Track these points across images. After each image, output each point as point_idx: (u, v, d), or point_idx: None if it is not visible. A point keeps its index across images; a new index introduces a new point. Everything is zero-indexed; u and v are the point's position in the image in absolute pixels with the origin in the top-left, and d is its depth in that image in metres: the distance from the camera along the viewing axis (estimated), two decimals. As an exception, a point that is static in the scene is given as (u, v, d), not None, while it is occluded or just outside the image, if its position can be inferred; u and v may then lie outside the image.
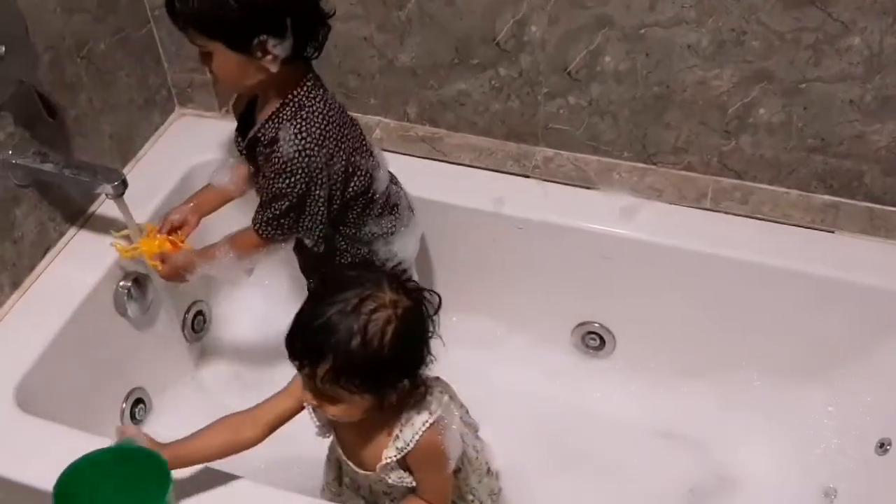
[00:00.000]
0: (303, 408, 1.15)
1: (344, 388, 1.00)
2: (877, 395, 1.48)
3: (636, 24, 1.42)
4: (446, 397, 1.14)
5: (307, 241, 1.36)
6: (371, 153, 1.39)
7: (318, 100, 1.28)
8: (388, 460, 1.11)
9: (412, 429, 1.09)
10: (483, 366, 1.68)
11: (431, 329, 1.05)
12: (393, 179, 1.46)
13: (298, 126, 1.25)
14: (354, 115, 1.70)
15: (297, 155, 1.24)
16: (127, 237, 1.44)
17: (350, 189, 1.34)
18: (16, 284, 1.41)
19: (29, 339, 1.35)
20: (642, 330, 1.65)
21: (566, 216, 1.58)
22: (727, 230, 1.53)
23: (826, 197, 1.54)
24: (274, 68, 1.22)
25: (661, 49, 1.44)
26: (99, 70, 1.50)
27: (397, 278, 1.04)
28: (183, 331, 1.70)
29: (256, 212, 1.33)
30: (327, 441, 1.25)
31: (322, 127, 1.26)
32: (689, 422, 1.60)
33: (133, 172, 1.64)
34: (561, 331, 1.73)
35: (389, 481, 1.14)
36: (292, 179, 1.25)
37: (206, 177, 1.60)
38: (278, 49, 1.20)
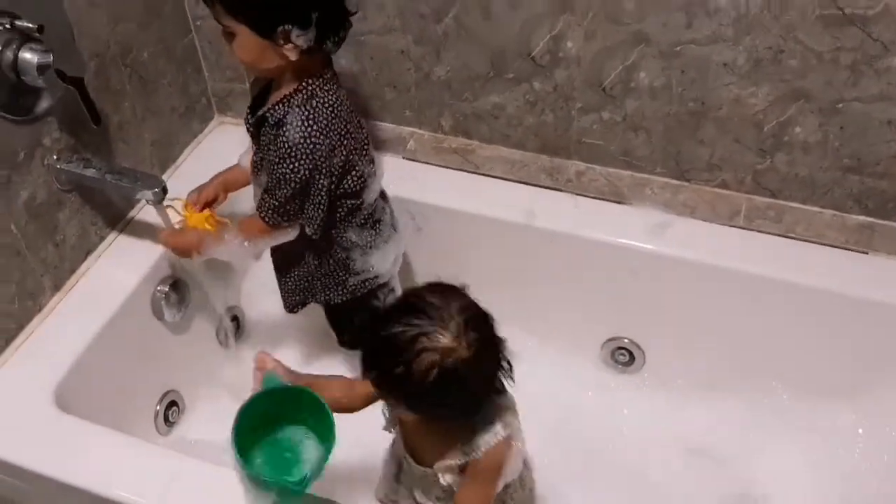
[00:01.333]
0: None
1: (389, 400, 1.05)
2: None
3: (672, 42, 1.42)
4: (517, 422, 1.15)
5: (308, 230, 1.38)
6: (371, 160, 1.41)
7: (330, 93, 1.30)
8: (452, 462, 1.13)
9: (484, 438, 1.11)
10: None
11: (503, 373, 1.07)
12: (383, 195, 1.49)
13: (307, 113, 1.27)
14: (388, 125, 1.74)
15: (302, 140, 1.26)
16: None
17: (342, 187, 1.36)
18: (57, 287, 1.44)
19: (69, 340, 1.39)
20: (672, 346, 1.65)
21: (598, 230, 1.58)
22: (760, 248, 1.52)
23: (861, 217, 1.53)
24: (293, 56, 1.24)
25: (696, 66, 1.44)
26: (142, 78, 1.54)
27: (470, 323, 1.02)
28: (218, 335, 1.73)
29: (262, 198, 1.36)
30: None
31: (329, 118, 1.29)
32: (718, 437, 1.60)
33: (172, 178, 1.67)
34: (591, 345, 1.73)
35: (443, 483, 1.16)
36: (296, 164, 1.27)
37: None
38: (301, 39, 1.22)
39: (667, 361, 1.68)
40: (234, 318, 1.77)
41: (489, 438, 1.11)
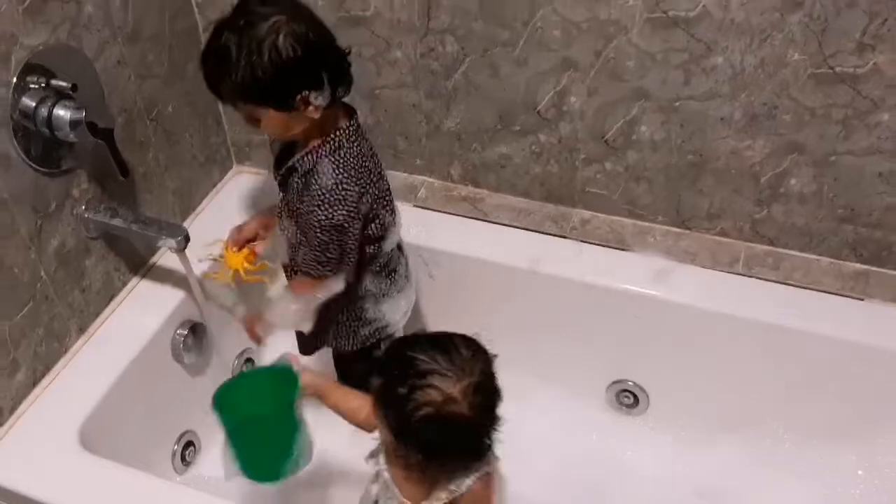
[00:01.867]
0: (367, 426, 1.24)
1: (379, 414, 1.11)
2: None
3: (671, 97, 1.49)
4: (498, 459, 1.19)
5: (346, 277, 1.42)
6: (393, 210, 1.45)
7: (355, 143, 1.34)
8: (438, 501, 1.16)
9: (468, 477, 1.15)
10: (518, 418, 1.71)
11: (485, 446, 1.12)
12: (400, 246, 1.53)
13: (336, 161, 1.32)
14: (401, 174, 1.81)
15: (335, 186, 1.30)
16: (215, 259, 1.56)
17: (365, 233, 1.39)
18: (82, 330, 1.50)
19: (93, 382, 1.44)
20: (676, 389, 1.69)
21: (602, 276, 1.64)
22: (759, 295, 1.57)
23: (857, 265, 1.58)
24: (317, 115, 1.29)
25: (695, 120, 1.51)
26: (166, 130, 1.62)
27: (482, 388, 1.07)
28: (232, 376, 1.78)
29: (302, 253, 1.38)
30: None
31: (356, 166, 1.33)
32: (721, 480, 1.63)
33: (193, 225, 1.74)
34: (596, 387, 1.77)
35: None
36: (331, 210, 1.31)
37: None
38: (319, 99, 1.26)
39: (671, 404, 1.72)
40: (249, 360, 1.83)
41: (472, 476, 1.15)
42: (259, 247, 1.55)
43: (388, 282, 1.50)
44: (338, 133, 1.33)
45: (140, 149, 1.56)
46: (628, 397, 1.76)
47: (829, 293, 1.56)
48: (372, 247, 1.43)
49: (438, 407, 1.04)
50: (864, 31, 1.31)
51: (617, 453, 1.72)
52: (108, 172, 1.45)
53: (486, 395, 1.08)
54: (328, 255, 1.36)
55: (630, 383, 1.75)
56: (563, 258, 1.67)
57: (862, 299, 1.54)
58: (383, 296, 1.50)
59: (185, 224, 1.72)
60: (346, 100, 1.34)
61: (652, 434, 1.73)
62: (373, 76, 1.66)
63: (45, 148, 1.33)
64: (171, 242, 1.44)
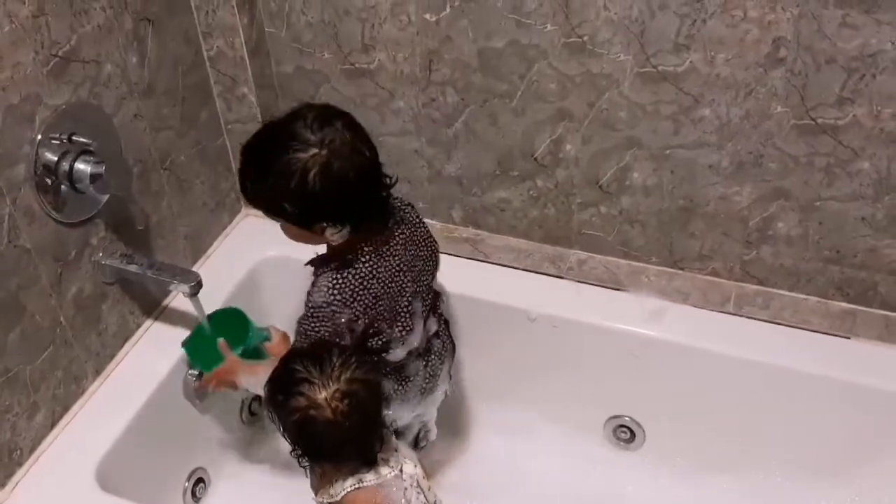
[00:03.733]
0: None
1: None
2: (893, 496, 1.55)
3: (662, 146, 1.56)
4: (392, 474, 1.30)
5: None
6: (404, 328, 1.41)
7: (366, 264, 1.33)
8: (320, 499, 1.32)
9: (342, 485, 1.28)
10: (516, 454, 1.79)
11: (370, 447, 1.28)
12: (425, 356, 1.49)
13: (335, 281, 1.32)
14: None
15: (324, 305, 1.32)
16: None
17: (366, 344, 1.39)
18: (98, 372, 1.56)
19: (109, 422, 1.49)
20: (671, 425, 1.74)
21: (598, 315, 1.70)
22: (750, 334, 1.63)
23: (843, 304, 1.64)
24: (336, 242, 1.30)
25: (685, 167, 1.57)
26: (178, 179, 1.69)
27: (350, 397, 1.20)
28: (241, 414, 1.84)
29: (294, 341, 1.41)
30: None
31: (355, 290, 1.33)
32: (716, 513, 1.68)
33: (203, 268, 1.80)
34: (593, 423, 1.83)
35: None
36: (316, 324, 1.33)
37: (269, 273, 1.77)
38: (336, 235, 1.28)
39: (666, 439, 1.77)
40: (257, 398, 1.88)
41: (347, 485, 1.28)
42: None
43: (398, 386, 1.48)
44: (352, 251, 1.33)
45: (154, 198, 1.62)
46: (625, 432, 1.82)
47: (818, 332, 1.62)
48: (373, 356, 1.41)
49: (303, 412, 1.20)
50: (843, 86, 1.38)
51: (614, 487, 1.77)
52: (124, 220, 1.52)
53: (356, 401, 1.20)
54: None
55: (627, 419, 1.80)
56: (561, 298, 1.73)
57: (849, 338, 1.60)
58: (390, 399, 1.47)
59: (196, 267, 1.79)
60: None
61: (648, 469, 1.79)
62: (377, 124, 1.73)
63: (66, 200, 1.39)
64: (185, 288, 1.50)
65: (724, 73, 1.43)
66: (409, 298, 1.42)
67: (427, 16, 1.55)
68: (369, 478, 1.29)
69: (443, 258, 1.82)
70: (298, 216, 1.27)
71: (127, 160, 1.51)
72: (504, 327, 1.77)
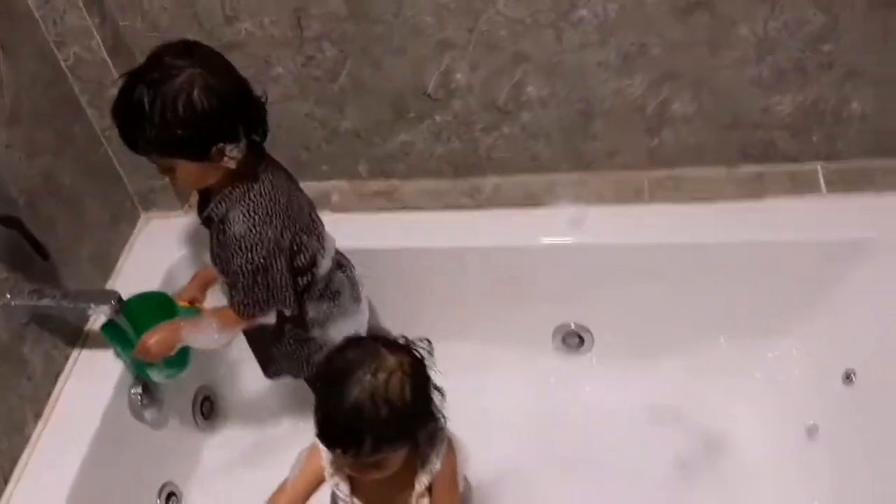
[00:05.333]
0: (324, 478, 1.27)
1: (387, 452, 1.12)
2: (831, 333, 1.64)
3: (549, 55, 1.56)
4: (448, 426, 1.26)
5: (286, 312, 1.45)
6: (319, 237, 1.46)
7: (265, 182, 1.35)
8: (421, 487, 1.23)
9: (436, 448, 1.22)
10: (475, 385, 1.80)
11: (433, 368, 1.18)
12: (342, 267, 1.55)
13: (246, 205, 1.32)
14: (310, 182, 1.81)
15: (248, 232, 1.31)
16: None
17: (294, 264, 1.41)
18: (38, 415, 1.49)
19: (63, 463, 1.43)
20: (615, 322, 1.79)
21: (523, 237, 1.71)
22: (668, 218, 1.67)
23: (750, 168, 1.69)
24: (233, 165, 1.29)
25: (575, 71, 1.58)
26: (67, 201, 1.59)
27: (389, 341, 1.15)
28: (194, 418, 1.80)
29: (230, 295, 1.40)
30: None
31: (269, 205, 1.34)
32: (672, 396, 1.75)
33: (116, 284, 1.72)
34: (542, 338, 1.86)
35: None
36: (249, 255, 1.32)
37: (186, 272, 1.71)
38: (234, 152, 1.28)
39: (613, 336, 1.82)
40: (207, 399, 1.84)
41: (439, 446, 1.23)
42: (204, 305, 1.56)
43: (332, 305, 1.51)
44: (247, 174, 1.34)
45: (49, 225, 1.53)
46: (574, 339, 1.86)
47: (732, 200, 1.67)
48: (304, 277, 1.44)
49: (406, 377, 1.11)
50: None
51: (573, 393, 1.82)
52: (23, 256, 1.43)
53: (391, 339, 1.16)
54: (255, 296, 1.37)
55: (572, 325, 1.84)
56: (484, 228, 1.73)
57: (762, 198, 1.66)
58: (328, 321, 1.52)
59: (108, 284, 1.71)
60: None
61: (602, 369, 1.84)
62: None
63: (-46, 250, 1.31)
64: (106, 309, 1.44)
65: (593, -30, 1.43)
66: (308, 208, 1.45)
67: (284, -27, 1.50)
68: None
69: (359, 218, 1.80)
70: (195, 144, 1.25)
71: (10, 192, 1.42)
72: (438, 270, 1.77)
